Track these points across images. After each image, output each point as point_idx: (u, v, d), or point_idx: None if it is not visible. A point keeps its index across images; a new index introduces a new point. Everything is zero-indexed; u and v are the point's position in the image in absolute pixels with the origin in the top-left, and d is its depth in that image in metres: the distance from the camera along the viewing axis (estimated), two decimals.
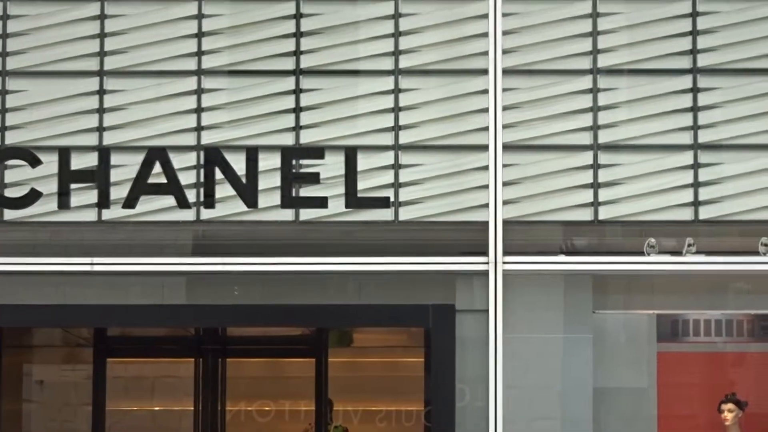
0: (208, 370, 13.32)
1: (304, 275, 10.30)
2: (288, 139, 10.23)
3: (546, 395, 10.22)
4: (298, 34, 10.30)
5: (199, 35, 10.29)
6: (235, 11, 10.34)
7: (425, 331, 11.00)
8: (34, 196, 10.13)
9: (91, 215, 10.19)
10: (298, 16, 10.29)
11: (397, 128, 10.21)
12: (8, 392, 12.60)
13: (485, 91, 9.99)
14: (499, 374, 9.93)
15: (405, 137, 10.19)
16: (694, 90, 10.09)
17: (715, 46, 10.16)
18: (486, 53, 10.00)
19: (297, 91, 10.34)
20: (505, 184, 10.01)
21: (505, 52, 10.03)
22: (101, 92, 10.27)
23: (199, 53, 10.28)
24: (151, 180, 10.16)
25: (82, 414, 13.16)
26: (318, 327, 13.16)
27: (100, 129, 10.24)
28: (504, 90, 9.98)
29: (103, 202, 10.20)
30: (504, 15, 10.05)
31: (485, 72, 9.98)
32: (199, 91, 10.29)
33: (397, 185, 10.21)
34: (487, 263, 10.00)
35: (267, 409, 14.36)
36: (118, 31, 10.29)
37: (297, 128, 10.28)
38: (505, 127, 9.98)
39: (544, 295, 10.29)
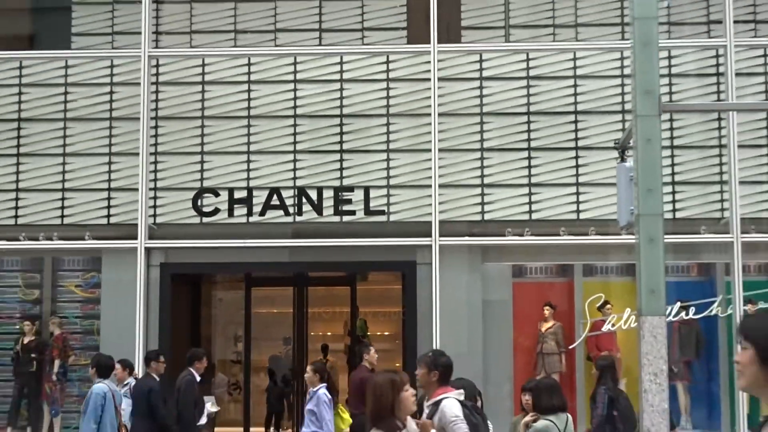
0: (299, 293, 15.83)
1: (343, 247, 13.65)
2: (336, 183, 13.94)
3: (460, 302, 13.61)
4: (341, 134, 14.19)
5: (294, 134, 14.19)
6: (311, 122, 14.31)
7: (402, 274, 14.02)
8: (216, 211, 13.91)
9: (243, 219, 13.89)
10: (341, 124, 14.20)
11: (388, 177, 13.99)
12: (205, 303, 15.71)
13: (430, 160, 13.47)
14: (438, 294, 13.27)
15: (393, 181, 13.94)
16: (529, 158, 14.02)
17: (541, 137, 14.03)
18: (430, 141, 13.45)
19: (341, 161, 14.13)
20: (440, 203, 13.44)
21: (440, 140, 13.55)
22: (248, 162, 14.14)
23: (294, 143, 14.16)
24: (271, 202, 13.87)
25: (240, 315, 15.88)
26: (350, 272, 15.50)
27: (248, 179, 14.09)
28: (439, 158, 13.50)
29: (249, 213, 13.86)
30: (439, 122, 13.57)
31: (430, 150, 13.49)
32: (294, 161, 14.08)
33: (388, 204, 13.87)
34: (432, 240, 13.35)
35: (328, 311, 17.67)
36: (256, 132, 14.26)
37: (341, 178, 13.98)
38: (440, 176, 13.49)
39: (459, 255, 13.67)
